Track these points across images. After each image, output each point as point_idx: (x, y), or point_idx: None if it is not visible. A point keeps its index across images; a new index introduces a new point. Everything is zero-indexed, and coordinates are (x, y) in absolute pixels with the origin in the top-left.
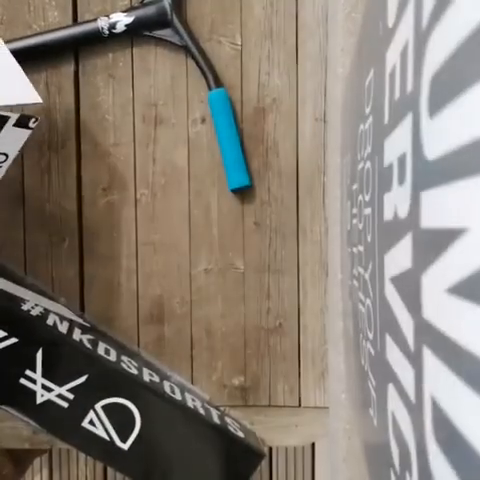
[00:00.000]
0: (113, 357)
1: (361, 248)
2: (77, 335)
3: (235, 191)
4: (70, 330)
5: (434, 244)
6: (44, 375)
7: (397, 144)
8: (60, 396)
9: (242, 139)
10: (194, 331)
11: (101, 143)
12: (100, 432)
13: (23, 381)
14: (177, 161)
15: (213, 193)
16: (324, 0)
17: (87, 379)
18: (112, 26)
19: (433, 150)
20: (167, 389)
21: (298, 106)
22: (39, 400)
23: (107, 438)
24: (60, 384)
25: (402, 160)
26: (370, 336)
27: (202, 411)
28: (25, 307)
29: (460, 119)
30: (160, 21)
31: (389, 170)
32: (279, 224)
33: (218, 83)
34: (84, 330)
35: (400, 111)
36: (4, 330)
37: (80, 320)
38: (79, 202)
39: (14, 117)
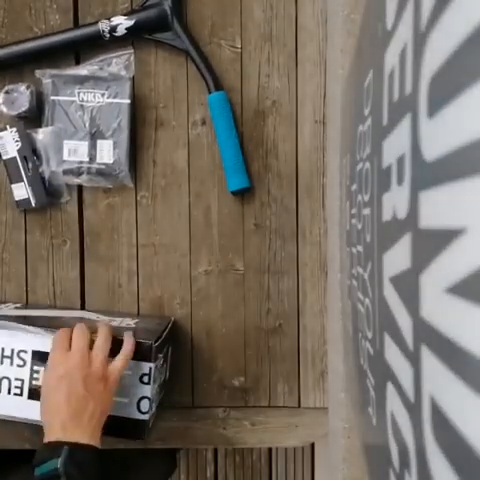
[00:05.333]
0: None
1: (360, 248)
2: None
3: (235, 193)
4: None
5: (433, 244)
6: None
7: (396, 145)
8: None
9: (242, 141)
10: (194, 332)
11: None
12: None
13: None
14: (177, 163)
15: (213, 195)
16: (323, 2)
17: None
18: (113, 29)
19: (432, 151)
20: None
21: (298, 108)
22: None
23: None
24: None
25: (401, 161)
26: (369, 335)
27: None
28: None
29: (459, 120)
30: (161, 24)
31: (388, 171)
32: (279, 225)
33: (218, 86)
34: None
35: (399, 112)
36: None
37: None
38: (80, 204)
39: None
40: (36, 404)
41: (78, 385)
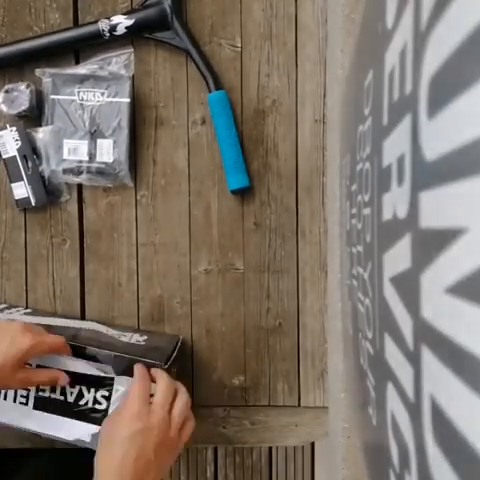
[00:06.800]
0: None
1: (360, 248)
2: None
3: (235, 192)
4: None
5: (433, 244)
6: None
7: (396, 145)
8: None
9: (242, 140)
10: (194, 331)
11: None
12: None
13: None
14: (177, 162)
15: (213, 194)
16: (323, 2)
17: None
18: (113, 28)
19: (432, 151)
20: None
21: (297, 108)
22: None
23: None
24: None
25: (401, 161)
26: (369, 335)
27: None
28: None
29: (459, 120)
30: (160, 23)
31: (388, 171)
32: (279, 225)
33: (218, 85)
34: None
35: (399, 112)
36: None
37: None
38: (80, 203)
39: None
40: (41, 415)
41: (150, 448)
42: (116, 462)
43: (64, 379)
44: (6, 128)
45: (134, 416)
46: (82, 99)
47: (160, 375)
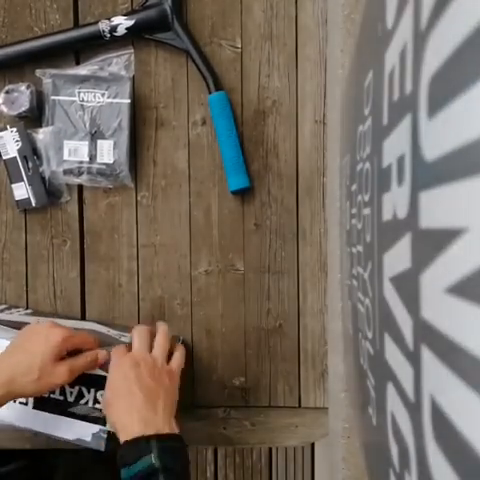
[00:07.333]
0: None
1: (360, 248)
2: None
3: (235, 193)
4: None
5: (433, 244)
6: None
7: (396, 145)
8: None
9: (242, 141)
10: (194, 332)
11: None
12: None
13: None
14: (177, 163)
15: (213, 195)
16: (323, 2)
17: None
18: (113, 29)
19: (432, 151)
20: None
21: (298, 108)
22: None
23: None
24: None
25: (401, 161)
26: (369, 335)
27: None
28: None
29: (459, 120)
30: (161, 24)
31: (388, 171)
32: (279, 225)
33: (218, 86)
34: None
35: (399, 112)
36: None
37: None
38: (80, 204)
39: None
40: (41, 414)
41: (146, 375)
42: (127, 405)
43: (102, 355)
44: (6, 129)
45: (118, 366)
46: (82, 100)
47: (135, 328)
